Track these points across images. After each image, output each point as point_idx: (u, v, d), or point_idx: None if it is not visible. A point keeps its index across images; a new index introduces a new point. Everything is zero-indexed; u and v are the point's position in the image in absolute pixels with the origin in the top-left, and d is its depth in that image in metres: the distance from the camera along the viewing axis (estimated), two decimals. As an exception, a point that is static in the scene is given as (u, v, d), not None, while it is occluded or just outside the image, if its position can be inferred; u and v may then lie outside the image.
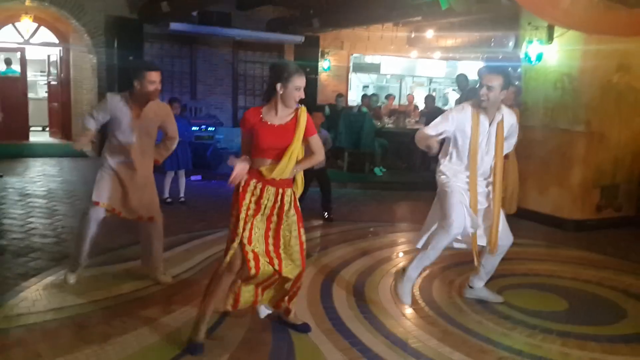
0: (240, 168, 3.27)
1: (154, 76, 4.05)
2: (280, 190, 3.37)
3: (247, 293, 3.52)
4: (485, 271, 4.35)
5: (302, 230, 3.47)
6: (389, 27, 13.32)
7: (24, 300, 4.00)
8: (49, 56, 13.06)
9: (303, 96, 3.34)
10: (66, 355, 3.24)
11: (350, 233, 6.31)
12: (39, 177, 8.98)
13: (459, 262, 5.34)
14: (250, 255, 3.26)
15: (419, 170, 10.62)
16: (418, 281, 4.76)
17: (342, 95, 12.42)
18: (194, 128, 9.74)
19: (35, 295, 4.11)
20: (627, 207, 7.19)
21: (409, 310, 4.16)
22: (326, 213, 6.84)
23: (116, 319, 3.76)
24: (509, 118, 4.03)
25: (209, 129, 11.33)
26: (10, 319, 3.70)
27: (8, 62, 12.59)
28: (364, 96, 12.36)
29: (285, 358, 3.37)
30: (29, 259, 4.92)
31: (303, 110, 3.39)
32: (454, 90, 15.63)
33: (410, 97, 14.27)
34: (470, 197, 3.97)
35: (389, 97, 14.01)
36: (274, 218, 3.38)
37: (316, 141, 3.47)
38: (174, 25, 10.83)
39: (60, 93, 12.78)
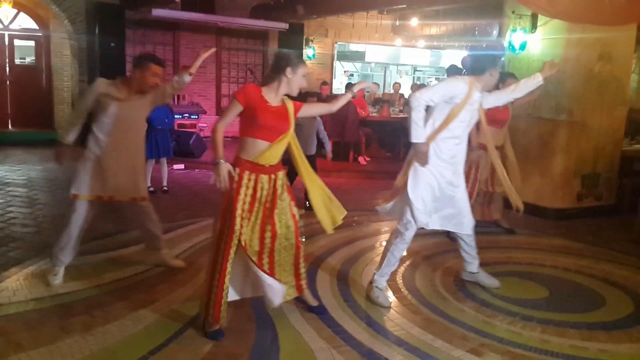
0: (225, 175, 3.28)
1: (158, 70, 4.08)
2: (273, 176, 3.45)
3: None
4: (469, 255, 4.43)
5: (295, 210, 3.56)
6: (373, 14, 13.26)
7: (4, 290, 3.96)
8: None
9: (305, 84, 3.49)
10: (48, 346, 3.21)
11: (334, 222, 6.31)
12: (19, 166, 8.86)
13: (442, 251, 5.39)
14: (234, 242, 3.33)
15: (403, 159, 10.64)
16: (401, 269, 4.79)
17: (327, 84, 12.37)
18: (176, 116, 9.66)
19: (16, 285, 4.06)
20: (607, 196, 7.28)
21: (391, 299, 4.18)
22: (308, 202, 6.79)
23: (98, 308, 3.73)
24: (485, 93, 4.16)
25: (192, 117, 11.25)
26: (-10, 309, 3.66)
27: None
28: (349, 85, 12.33)
29: (269, 347, 3.38)
30: (9, 249, 4.87)
31: (287, 99, 3.52)
32: (437, 79, 15.66)
33: (397, 86, 14.27)
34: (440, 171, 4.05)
35: (372, 85, 13.98)
36: (268, 204, 3.44)
37: (313, 103, 3.77)
38: (157, 11, 10.69)
39: (44, 80, 12.58)
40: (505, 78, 5.58)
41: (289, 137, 3.48)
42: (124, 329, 3.47)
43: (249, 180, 3.37)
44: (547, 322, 3.90)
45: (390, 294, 4.27)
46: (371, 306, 4.04)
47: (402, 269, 4.82)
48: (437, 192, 4.05)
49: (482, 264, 4.69)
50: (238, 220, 3.30)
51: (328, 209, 3.65)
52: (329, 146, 6.95)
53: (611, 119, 7.12)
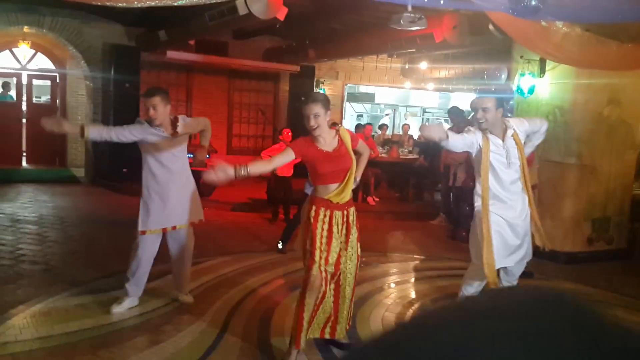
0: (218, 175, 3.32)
1: (147, 102, 4.26)
2: (345, 212, 3.62)
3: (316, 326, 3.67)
4: None
5: (359, 245, 3.76)
6: (383, 58, 13.49)
7: (11, 328, 3.95)
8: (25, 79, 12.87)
9: (312, 123, 3.51)
10: (51, 386, 3.19)
11: (342, 263, 6.27)
12: (30, 203, 8.93)
13: (452, 293, 5.33)
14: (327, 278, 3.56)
15: (412, 200, 10.65)
16: (410, 312, 4.75)
17: (337, 124, 12.48)
18: (188, 155, 9.73)
19: (23, 323, 4.06)
20: (618, 240, 7.21)
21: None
22: None
23: (103, 348, 3.71)
24: (520, 126, 4.14)
25: (204, 156, 11.33)
26: (-4, 347, 3.65)
27: (5, 87, 12.61)
28: (358, 126, 12.45)
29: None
30: (17, 286, 4.87)
31: (342, 129, 3.72)
32: (445, 121, 15.75)
33: (406, 127, 14.37)
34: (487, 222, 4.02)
35: (382, 127, 14.11)
36: (342, 238, 3.63)
37: (362, 144, 3.94)
38: (171, 54, 10.94)
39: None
40: None
41: (354, 172, 3.62)
42: (129, 370, 3.44)
43: (325, 216, 3.54)
44: (558, 369, 3.82)
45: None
46: (379, 350, 3.98)
47: (410, 311, 4.77)
48: (506, 234, 4.06)
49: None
50: (317, 252, 3.48)
51: None
52: None
53: (621, 163, 7.11)
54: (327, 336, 3.75)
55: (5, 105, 12.52)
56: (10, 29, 10.71)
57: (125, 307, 4.34)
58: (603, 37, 5.70)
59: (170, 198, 4.32)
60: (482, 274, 4.01)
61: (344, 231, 3.61)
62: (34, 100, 13.20)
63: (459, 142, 3.97)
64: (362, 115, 17.26)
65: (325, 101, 3.59)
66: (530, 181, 5.72)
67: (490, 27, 7.36)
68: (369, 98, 16.72)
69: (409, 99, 17.11)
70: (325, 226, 3.54)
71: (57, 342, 3.78)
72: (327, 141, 3.57)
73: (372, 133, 12.93)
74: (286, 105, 13.37)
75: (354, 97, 16.39)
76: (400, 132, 14.72)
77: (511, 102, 7.68)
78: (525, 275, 6.00)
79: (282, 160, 3.61)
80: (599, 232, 7.03)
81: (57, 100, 12.95)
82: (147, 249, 4.36)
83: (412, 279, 5.94)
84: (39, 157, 12.82)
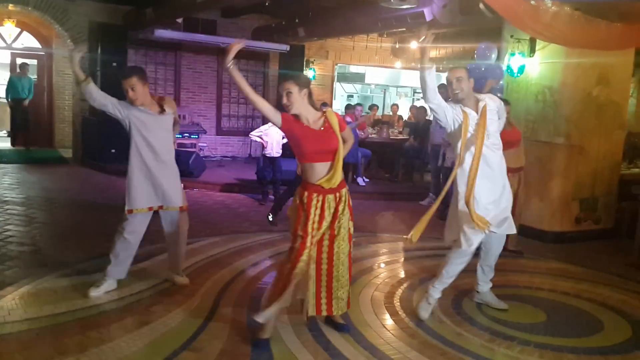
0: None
1: (125, 84, 4.19)
2: (338, 194, 3.62)
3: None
4: (485, 276, 4.52)
5: (351, 224, 3.72)
6: (373, 37, 13.39)
7: (-1, 310, 3.94)
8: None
9: (284, 101, 3.54)
10: (41, 367, 3.19)
11: (332, 243, 6.29)
12: (17, 184, 8.86)
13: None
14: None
15: (402, 180, 10.67)
16: (399, 292, 4.78)
17: (327, 105, 12.41)
18: (177, 135, 9.66)
19: (11, 305, 4.04)
20: (605, 220, 7.27)
21: (389, 322, 4.16)
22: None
23: (93, 329, 3.71)
24: (491, 102, 4.16)
25: (192, 136, 11.29)
26: (-16, 329, 3.64)
27: (23, 68, 12.22)
28: (348, 106, 12.40)
29: (263, 370, 3.35)
30: (5, 267, 4.85)
31: (330, 111, 3.65)
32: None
33: (395, 108, 14.34)
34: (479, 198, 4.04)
35: (372, 107, 14.06)
36: (330, 218, 3.60)
37: (348, 131, 3.78)
38: (159, 32, 10.77)
39: (45, 99, 12.67)
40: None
41: (342, 151, 3.57)
42: (119, 351, 3.44)
43: (317, 201, 3.55)
44: (544, 346, 3.88)
45: (387, 316, 4.25)
46: (368, 329, 4.01)
47: (399, 291, 4.80)
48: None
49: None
50: (309, 238, 3.50)
51: None
52: None
53: (609, 143, 7.15)
54: (324, 313, 3.72)
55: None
56: (-6, 7, 10.53)
57: (103, 291, 4.28)
58: (592, 16, 5.69)
59: (156, 177, 4.30)
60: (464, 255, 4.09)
61: (332, 211, 3.60)
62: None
63: (443, 105, 4.03)
64: (352, 96, 17.19)
65: (299, 79, 3.61)
66: (516, 164, 5.79)
67: (481, 6, 7.30)
68: (359, 78, 16.64)
69: (400, 79, 17.05)
70: (318, 211, 3.55)
71: (45, 324, 3.77)
72: (310, 121, 3.57)
73: (363, 113, 12.89)
74: (276, 85, 13.28)
75: (344, 77, 16.32)
76: (390, 113, 14.69)
77: (501, 82, 7.67)
78: (514, 254, 6.09)
79: (268, 110, 3.52)
80: (586, 212, 7.09)
81: (44, 80, 12.78)
82: (135, 230, 4.33)
83: (402, 259, 5.97)
84: (26, 137, 12.66)
